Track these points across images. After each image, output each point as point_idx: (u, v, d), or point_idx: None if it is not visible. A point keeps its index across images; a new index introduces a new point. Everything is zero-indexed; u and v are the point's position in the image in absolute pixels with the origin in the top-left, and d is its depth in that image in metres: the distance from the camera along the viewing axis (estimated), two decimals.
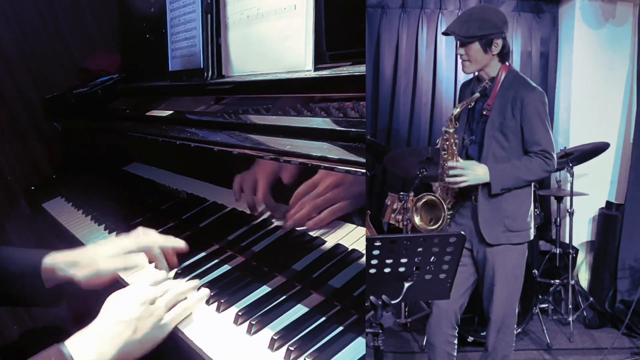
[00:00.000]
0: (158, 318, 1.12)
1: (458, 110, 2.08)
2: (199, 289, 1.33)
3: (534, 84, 2.08)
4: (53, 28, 3.11)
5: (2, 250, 1.44)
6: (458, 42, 2.09)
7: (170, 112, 1.86)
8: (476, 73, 2.15)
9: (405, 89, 3.91)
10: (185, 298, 1.25)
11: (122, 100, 2.44)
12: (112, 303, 1.12)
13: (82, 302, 1.29)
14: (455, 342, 2.20)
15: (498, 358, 2.17)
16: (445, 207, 2.16)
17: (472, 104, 2.12)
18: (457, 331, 2.20)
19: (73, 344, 1.03)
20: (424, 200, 2.33)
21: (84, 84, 2.56)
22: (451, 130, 2.08)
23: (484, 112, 2.08)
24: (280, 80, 1.49)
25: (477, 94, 2.05)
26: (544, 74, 3.86)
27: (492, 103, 2.06)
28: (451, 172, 2.06)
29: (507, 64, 2.10)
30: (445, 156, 2.11)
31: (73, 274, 1.34)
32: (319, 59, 1.42)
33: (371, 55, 3.87)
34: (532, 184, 2.15)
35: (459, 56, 2.10)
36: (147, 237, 1.43)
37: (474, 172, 2.04)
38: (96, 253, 1.39)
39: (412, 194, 3.14)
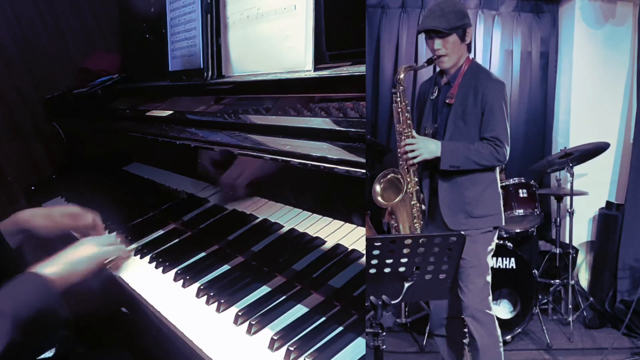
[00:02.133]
0: (85, 260, 1.42)
1: (402, 75, 2.13)
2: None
3: (495, 76, 2.15)
4: (53, 28, 3.11)
5: None
6: (429, 39, 2.10)
7: (170, 112, 1.86)
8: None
9: (405, 89, 3.90)
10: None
11: (122, 100, 2.44)
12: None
13: (79, 301, 1.33)
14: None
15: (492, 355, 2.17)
16: (405, 183, 2.14)
17: (435, 95, 2.17)
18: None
19: (38, 266, 1.33)
20: (387, 177, 2.25)
21: (84, 84, 2.56)
22: (401, 89, 2.12)
23: (447, 101, 2.12)
24: (280, 80, 1.49)
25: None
26: (544, 74, 3.86)
27: (456, 92, 2.11)
28: (407, 147, 2.09)
29: (470, 56, 2.16)
30: (400, 128, 2.12)
31: (33, 225, 1.63)
32: (319, 59, 1.42)
33: (371, 55, 3.86)
34: (496, 172, 2.16)
35: (434, 52, 2.10)
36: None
37: (427, 146, 2.07)
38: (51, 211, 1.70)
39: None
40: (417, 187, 2.14)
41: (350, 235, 1.25)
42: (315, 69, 1.41)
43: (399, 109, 2.14)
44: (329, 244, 1.28)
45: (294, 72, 1.47)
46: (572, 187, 3.19)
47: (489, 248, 2.16)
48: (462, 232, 2.01)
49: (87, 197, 2.28)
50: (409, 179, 2.14)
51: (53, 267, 1.35)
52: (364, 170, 1.08)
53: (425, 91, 2.28)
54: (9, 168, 3.00)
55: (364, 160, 1.06)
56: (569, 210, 3.22)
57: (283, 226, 1.38)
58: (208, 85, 1.80)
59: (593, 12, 3.67)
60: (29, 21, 3.05)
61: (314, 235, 1.30)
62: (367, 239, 1.31)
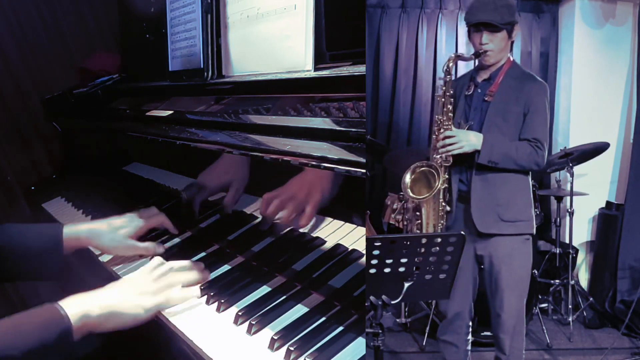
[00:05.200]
0: (143, 301, 1.23)
1: (451, 63, 2.06)
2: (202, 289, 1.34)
3: (538, 77, 2.11)
4: (53, 28, 3.11)
5: (19, 227, 1.56)
6: (476, 32, 2.04)
7: (170, 112, 1.86)
8: (476, 63, 2.14)
9: (405, 89, 3.91)
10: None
11: (122, 100, 2.44)
12: (113, 282, 1.28)
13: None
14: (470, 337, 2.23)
15: None
16: (439, 178, 2.07)
17: (470, 91, 2.11)
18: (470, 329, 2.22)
19: (66, 301, 1.16)
20: (421, 169, 2.14)
21: (84, 84, 2.56)
22: (448, 78, 2.04)
23: (486, 98, 2.07)
24: (280, 80, 1.49)
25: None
26: (544, 74, 3.86)
27: (496, 90, 2.05)
28: (447, 140, 2.03)
29: (511, 56, 2.11)
30: (439, 119, 2.06)
31: (96, 242, 1.55)
32: (319, 59, 1.42)
33: (371, 55, 3.87)
34: (529, 177, 2.12)
35: (479, 46, 2.04)
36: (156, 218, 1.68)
37: (467, 138, 2.02)
38: (117, 229, 1.57)
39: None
40: (446, 185, 2.08)
41: (350, 235, 1.25)
42: (315, 69, 1.41)
43: (443, 99, 2.06)
44: (329, 244, 1.28)
45: (294, 72, 1.47)
46: (572, 187, 3.19)
47: (529, 262, 2.11)
48: (495, 237, 2.03)
49: (87, 197, 2.28)
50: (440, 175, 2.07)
51: (86, 307, 1.15)
52: (364, 170, 1.08)
53: (459, 87, 2.18)
54: (9, 168, 3.01)
55: (364, 160, 1.06)
56: (569, 210, 3.22)
57: (283, 226, 1.38)
58: (208, 85, 1.80)
59: (593, 12, 3.67)
60: (29, 21, 3.05)
61: (314, 235, 1.30)
62: (367, 239, 1.31)
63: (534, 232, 2.12)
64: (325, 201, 1.24)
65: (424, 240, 1.47)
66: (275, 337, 1.10)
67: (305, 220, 1.29)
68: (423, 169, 2.10)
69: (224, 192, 1.60)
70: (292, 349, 1.06)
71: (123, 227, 1.59)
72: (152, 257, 1.49)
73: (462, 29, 3.87)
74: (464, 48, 3.88)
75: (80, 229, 1.56)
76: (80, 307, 1.15)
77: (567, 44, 3.79)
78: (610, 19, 3.66)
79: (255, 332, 1.15)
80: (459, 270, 2.06)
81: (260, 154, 1.31)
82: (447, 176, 2.08)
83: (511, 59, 2.11)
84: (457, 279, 2.04)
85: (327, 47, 1.43)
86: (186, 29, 1.88)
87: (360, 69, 1.27)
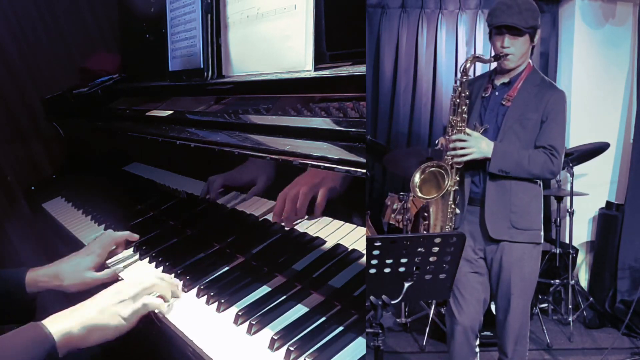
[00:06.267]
0: (121, 310, 1.22)
1: (469, 64, 2.03)
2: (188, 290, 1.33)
3: (558, 86, 2.10)
4: (53, 28, 3.11)
5: None
6: (497, 35, 2.00)
7: (170, 112, 1.86)
8: (492, 66, 2.11)
9: (405, 89, 3.91)
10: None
11: (122, 100, 2.44)
12: (92, 297, 1.28)
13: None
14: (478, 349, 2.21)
15: None
16: (449, 179, 2.03)
17: (488, 93, 2.09)
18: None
19: (48, 319, 1.17)
20: (431, 169, 2.09)
21: (84, 84, 2.56)
22: (464, 79, 2.01)
23: (503, 102, 2.05)
24: (280, 80, 1.49)
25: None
26: (544, 74, 3.84)
27: (515, 95, 2.03)
28: (458, 144, 1.99)
29: (530, 61, 2.09)
30: (453, 121, 2.01)
31: (57, 284, 1.52)
32: (319, 59, 1.42)
33: (371, 55, 3.87)
34: (541, 186, 2.10)
35: (500, 49, 2.00)
36: (108, 239, 1.63)
37: (479, 145, 1.98)
38: (77, 266, 1.55)
39: (412, 194, 3.13)
40: (457, 188, 2.04)
41: (350, 235, 1.25)
42: (316, 69, 1.41)
43: (457, 101, 2.02)
44: (329, 244, 1.28)
45: (294, 72, 1.47)
46: (572, 187, 3.19)
47: (537, 268, 2.10)
48: (507, 244, 2.00)
49: (87, 197, 2.28)
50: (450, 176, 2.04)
51: (68, 324, 1.15)
52: (364, 170, 1.08)
53: (476, 87, 2.14)
54: (9, 168, 3.01)
55: (364, 160, 1.06)
56: (569, 210, 3.22)
57: (283, 226, 1.38)
58: (208, 85, 1.80)
59: (593, 12, 3.67)
60: (29, 21, 3.05)
61: (314, 235, 1.30)
62: (367, 239, 1.31)
63: (542, 241, 2.10)
64: (337, 192, 1.22)
65: (423, 240, 1.47)
66: (275, 337, 1.10)
67: (318, 209, 1.25)
68: (433, 169, 2.06)
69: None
70: (292, 349, 1.06)
71: (82, 262, 1.56)
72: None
73: (462, 29, 3.88)
74: (463, 48, 3.88)
75: (41, 273, 1.54)
76: (61, 324, 1.15)
77: (567, 44, 3.79)
78: (610, 19, 3.66)
79: (255, 332, 1.15)
80: (472, 278, 2.08)
81: (260, 154, 1.31)
82: (457, 178, 2.05)
83: (531, 64, 2.08)
84: (469, 287, 2.06)
85: (327, 47, 1.43)
86: (186, 29, 1.88)
87: (360, 69, 1.27)
